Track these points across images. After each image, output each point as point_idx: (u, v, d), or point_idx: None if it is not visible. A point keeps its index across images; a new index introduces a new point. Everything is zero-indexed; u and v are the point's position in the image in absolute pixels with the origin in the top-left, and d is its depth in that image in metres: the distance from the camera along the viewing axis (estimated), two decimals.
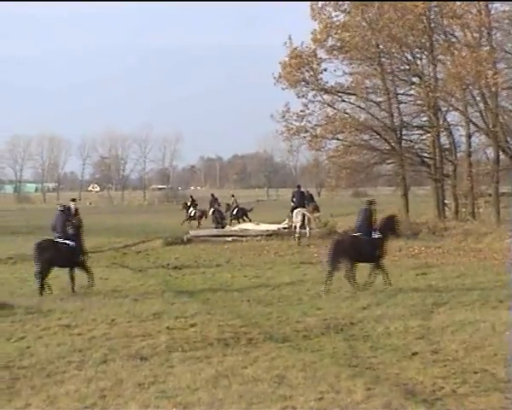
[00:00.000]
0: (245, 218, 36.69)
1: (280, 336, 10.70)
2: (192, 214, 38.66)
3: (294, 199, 27.60)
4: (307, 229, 26.53)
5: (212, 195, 37.93)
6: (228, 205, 37.89)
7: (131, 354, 9.79)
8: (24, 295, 14.91)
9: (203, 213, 37.71)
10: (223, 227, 32.20)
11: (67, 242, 15.47)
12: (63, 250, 15.34)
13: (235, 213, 37.44)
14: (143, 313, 12.72)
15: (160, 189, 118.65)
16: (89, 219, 30.74)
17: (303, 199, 28.01)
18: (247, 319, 11.94)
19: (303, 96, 30.64)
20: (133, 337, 10.82)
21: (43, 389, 8.21)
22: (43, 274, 15.21)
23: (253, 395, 7.74)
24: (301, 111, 30.61)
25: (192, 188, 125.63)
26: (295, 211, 26.98)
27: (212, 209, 35.81)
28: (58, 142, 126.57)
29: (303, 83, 30.47)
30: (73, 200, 21.33)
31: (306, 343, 10.21)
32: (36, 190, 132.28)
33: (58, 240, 15.52)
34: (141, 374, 8.76)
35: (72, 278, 15.45)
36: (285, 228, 28.79)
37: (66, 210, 16.14)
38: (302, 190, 29.06)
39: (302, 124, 30.46)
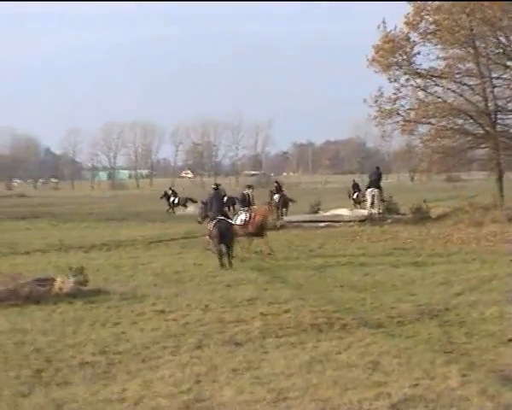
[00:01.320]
0: (284, 209, 35.99)
1: (374, 321, 10.58)
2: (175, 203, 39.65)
3: (369, 179, 29.43)
4: (376, 209, 27.66)
5: (277, 182, 38.49)
6: (271, 192, 37.83)
7: (225, 339, 9.82)
8: (119, 281, 15.13)
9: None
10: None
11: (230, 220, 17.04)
12: (230, 228, 16.95)
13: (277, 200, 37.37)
14: (237, 299, 12.76)
15: (253, 175, 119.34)
16: None
17: (378, 180, 29.12)
18: (340, 305, 11.82)
19: (395, 80, 30.08)
20: (227, 323, 10.87)
21: (139, 374, 8.30)
22: (222, 252, 16.74)
23: (348, 381, 7.65)
24: (393, 94, 30.08)
25: (284, 174, 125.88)
26: (368, 190, 28.95)
27: (278, 196, 35.89)
28: (151, 129, 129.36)
29: (396, 67, 29.91)
30: (249, 186, 22.10)
31: (400, 329, 10.04)
32: (129, 176, 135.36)
33: (226, 219, 17.14)
34: (235, 360, 8.78)
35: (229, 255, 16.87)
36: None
37: (219, 190, 17.88)
38: (380, 171, 30.42)
39: (395, 106, 29.93)
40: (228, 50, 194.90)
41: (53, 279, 13.20)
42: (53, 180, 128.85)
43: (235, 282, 14.83)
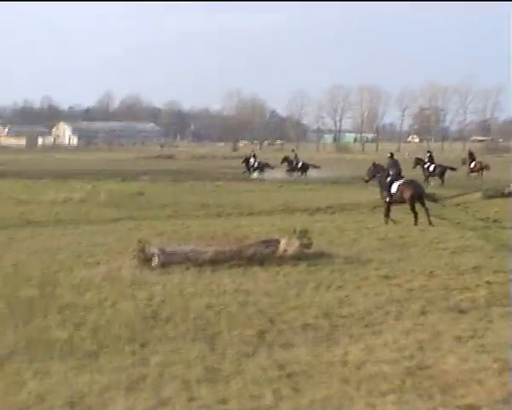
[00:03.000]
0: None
1: None
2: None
3: None
4: None
5: (429, 152, 37.96)
6: (286, 159, 42.33)
7: (450, 306, 9.56)
8: (342, 244, 15.14)
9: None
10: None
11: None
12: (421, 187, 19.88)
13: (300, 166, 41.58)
14: (461, 266, 12.33)
15: (481, 141, 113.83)
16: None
17: None
18: None
19: None
20: (451, 290, 10.55)
21: (361, 339, 8.27)
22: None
23: None
24: None
25: None
26: None
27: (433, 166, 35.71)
28: (377, 92, 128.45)
29: None
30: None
31: None
32: (355, 140, 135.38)
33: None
34: (459, 327, 8.52)
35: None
36: None
37: (394, 157, 20.12)
38: None
39: None
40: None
41: (277, 241, 13.49)
42: (278, 142, 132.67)
43: (460, 249, 14.35)
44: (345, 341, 8.25)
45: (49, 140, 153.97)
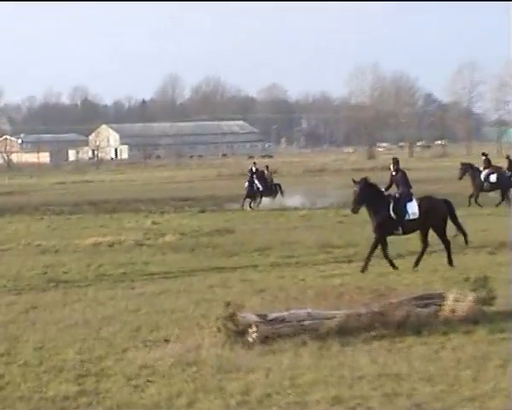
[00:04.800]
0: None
1: None
2: None
3: None
4: None
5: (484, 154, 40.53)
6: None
7: None
8: None
9: None
10: None
11: None
12: None
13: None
14: None
15: None
16: None
17: None
18: None
19: None
20: None
21: None
22: None
23: None
24: None
25: None
26: None
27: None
28: None
29: None
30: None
31: None
32: None
33: None
34: None
35: None
36: None
37: None
38: None
39: None
40: None
41: (441, 296, 13.54)
42: (440, 142, 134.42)
43: None
44: None
45: (86, 153, 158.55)
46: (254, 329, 12.88)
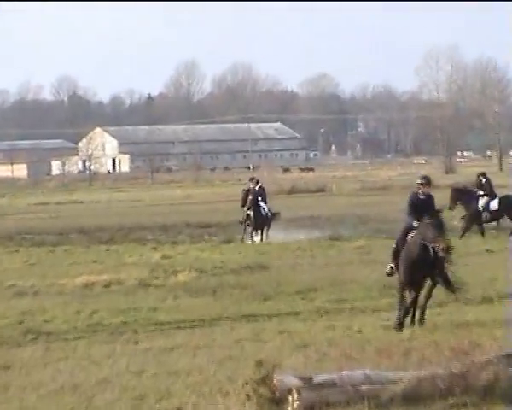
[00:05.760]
0: None
1: None
2: None
3: None
4: None
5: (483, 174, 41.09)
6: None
7: None
8: None
9: None
10: None
11: None
12: None
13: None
14: None
15: None
16: None
17: None
18: None
19: None
20: None
21: None
22: None
23: None
24: None
25: None
26: None
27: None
28: None
29: None
30: None
31: None
32: None
33: None
34: None
35: None
36: None
37: None
38: None
39: None
40: None
41: None
42: None
43: None
44: None
45: (74, 165, 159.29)
46: (295, 396, 12.92)
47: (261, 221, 43.30)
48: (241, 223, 43.12)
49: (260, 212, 43.40)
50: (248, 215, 42.78)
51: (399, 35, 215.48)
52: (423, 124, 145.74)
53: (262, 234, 43.11)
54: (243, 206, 43.53)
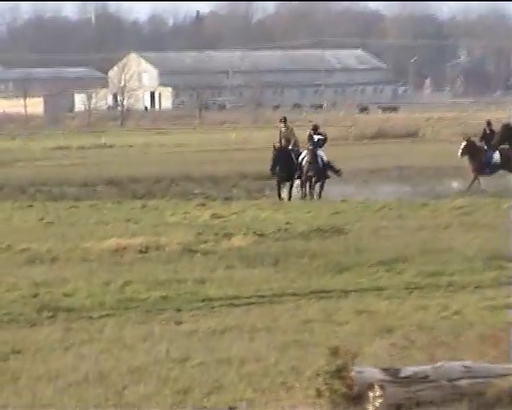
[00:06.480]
0: None
1: None
2: None
3: None
4: None
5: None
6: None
7: None
8: None
9: None
10: None
11: None
12: None
13: None
14: None
15: None
16: None
17: None
18: None
19: None
20: None
21: None
22: None
23: None
24: None
25: None
26: None
27: None
28: None
29: None
30: None
31: None
32: None
33: None
34: None
35: None
36: None
37: None
38: None
39: None
40: None
41: None
42: None
43: None
44: None
45: (103, 99, 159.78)
46: (378, 392, 12.98)
47: (317, 171, 43.76)
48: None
49: (316, 160, 43.81)
50: (301, 164, 42.91)
51: None
52: None
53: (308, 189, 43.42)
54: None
